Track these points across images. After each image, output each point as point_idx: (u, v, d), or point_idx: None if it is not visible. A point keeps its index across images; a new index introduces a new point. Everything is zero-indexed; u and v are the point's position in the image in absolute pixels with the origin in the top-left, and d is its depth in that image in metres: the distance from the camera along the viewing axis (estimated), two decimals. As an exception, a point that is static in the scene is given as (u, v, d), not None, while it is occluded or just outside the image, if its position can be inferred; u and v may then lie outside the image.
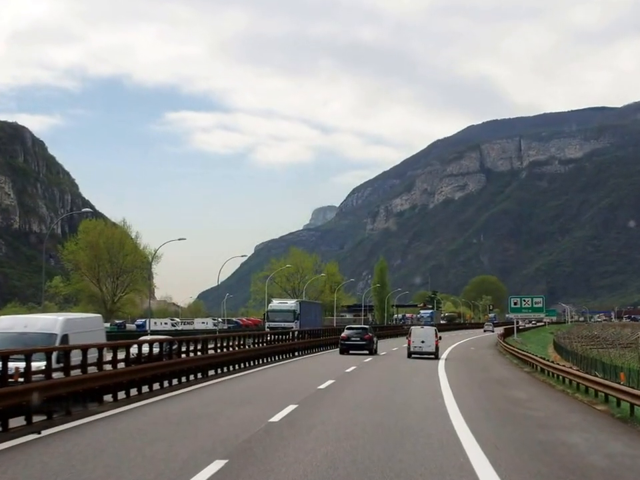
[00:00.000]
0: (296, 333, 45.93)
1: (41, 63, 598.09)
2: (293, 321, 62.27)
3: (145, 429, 13.61)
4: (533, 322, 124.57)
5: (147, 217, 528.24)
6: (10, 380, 13.51)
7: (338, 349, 44.15)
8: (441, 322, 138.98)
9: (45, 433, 12.78)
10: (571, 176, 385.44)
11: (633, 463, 11.85)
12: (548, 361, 31.84)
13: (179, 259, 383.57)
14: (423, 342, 40.24)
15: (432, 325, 65.57)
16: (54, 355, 15.25)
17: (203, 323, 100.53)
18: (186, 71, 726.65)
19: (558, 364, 29.59)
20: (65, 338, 17.82)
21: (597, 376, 23.55)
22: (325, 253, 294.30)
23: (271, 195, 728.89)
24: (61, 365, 15.47)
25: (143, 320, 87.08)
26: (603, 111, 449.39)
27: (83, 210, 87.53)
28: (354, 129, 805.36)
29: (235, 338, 31.42)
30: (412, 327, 45.38)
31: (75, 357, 15.87)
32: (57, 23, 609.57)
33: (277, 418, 14.71)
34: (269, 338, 38.41)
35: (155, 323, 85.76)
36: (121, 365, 18.52)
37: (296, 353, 41.05)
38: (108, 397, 17.21)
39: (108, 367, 17.62)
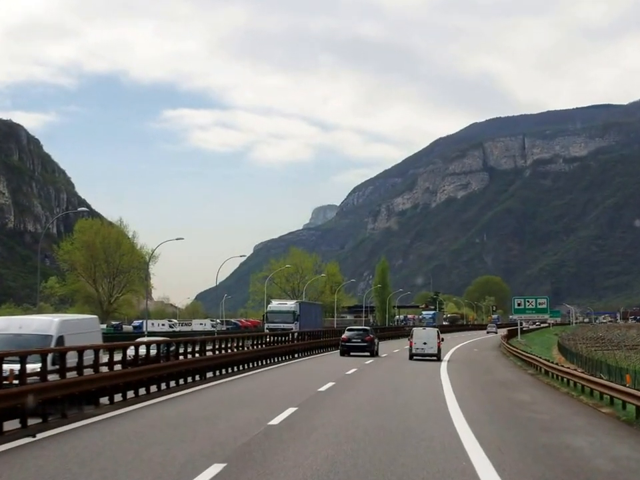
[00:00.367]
0: (296, 334, 45.96)
1: (35, 59, 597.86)
2: (293, 322, 62.30)
3: (142, 432, 13.62)
4: (537, 323, 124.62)
5: (144, 216, 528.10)
6: (4, 382, 13.52)
7: (338, 350, 44.17)
8: (443, 323, 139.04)
9: (40, 436, 12.79)
10: (575, 174, 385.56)
11: (638, 467, 11.85)
12: (552, 363, 31.84)
13: (177, 259, 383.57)
14: (425, 343, 40.25)
15: (434, 327, 65.52)
16: (49, 357, 15.25)
17: (201, 324, 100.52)
18: (184, 67, 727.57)
19: (562, 366, 29.59)
20: (60, 339, 17.82)
21: (602, 378, 23.55)
22: (325, 253, 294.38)
23: (270, 194, 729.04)
24: (57, 366, 15.48)
25: (140, 321, 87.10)
26: (608, 108, 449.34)
27: (79, 209, 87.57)
28: (355, 126, 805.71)
29: (233, 339, 31.46)
30: (414, 329, 45.38)
31: (71, 359, 15.88)
32: (51, 18, 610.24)
33: (276, 421, 14.72)
34: (268, 339, 38.44)
35: (152, 324, 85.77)
36: (118, 367, 18.51)
37: (296, 355, 41.07)
38: (104, 400, 17.21)
39: (104, 369, 17.63)
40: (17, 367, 13.82)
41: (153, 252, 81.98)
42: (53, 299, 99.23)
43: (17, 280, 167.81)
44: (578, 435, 15.00)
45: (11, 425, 13.25)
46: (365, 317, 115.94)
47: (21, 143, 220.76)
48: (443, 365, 35.78)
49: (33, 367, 14.58)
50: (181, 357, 23.75)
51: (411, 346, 40.74)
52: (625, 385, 19.94)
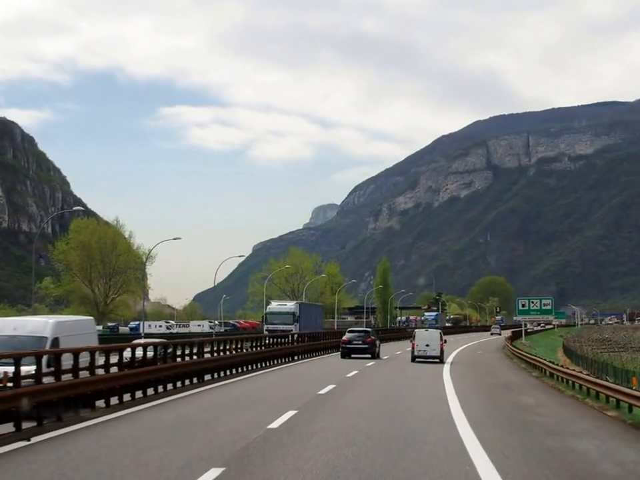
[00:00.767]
0: (295, 336, 45.93)
1: (30, 55, 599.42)
2: (293, 324, 62.32)
3: (139, 435, 13.62)
4: (542, 325, 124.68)
5: (140, 215, 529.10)
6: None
7: (339, 352, 44.18)
8: (446, 325, 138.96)
9: (34, 439, 12.79)
10: (581, 173, 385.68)
11: (645, 471, 11.85)
12: (557, 365, 31.86)
13: (174, 259, 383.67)
14: (427, 345, 40.26)
15: (437, 328, 65.49)
16: (44, 359, 15.26)
17: (199, 325, 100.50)
18: (181, 63, 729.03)
19: (567, 368, 29.60)
20: (55, 341, 17.83)
21: (608, 381, 23.57)
22: (326, 253, 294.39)
23: (270, 193, 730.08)
24: (52, 369, 15.48)
25: (137, 322, 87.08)
26: (614, 105, 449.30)
27: (74, 208, 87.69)
28: (355, 123, 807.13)
29: (232, 341, 31.45)
30: (416, 330, 45.37)
31: (66, 361, 15.87)
32: (46, 13, 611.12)
33: (275, 424, 14.73)
34: (267, 341, 38.44)
35: (149, 325, 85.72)
36: (114, 370, 18.52)
37: (295, 357, 41.08)
38: (100, 403, 17.22)
39: (100, 372, 17.62)
40: (11, 369, 13.83)
41: (150, 252, 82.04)
42: (47, 299, 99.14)
43: (11, 280, 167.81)
44: (583, 439, 14.99)
45: (5, 428, 13.24)
46: (366, 319, 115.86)
47: (15, 141, 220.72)
48: (446, 368, 35.77)
49: (28, 369, 14.58)
50: (179, 359, 23.77)
51: (413, 348, 40.75)
52: (631, 388, 19.95)
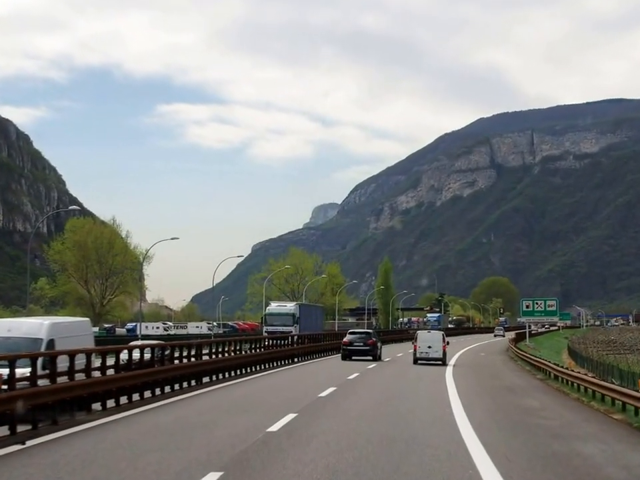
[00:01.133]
0: (295, 337, 45.96)
1: (25, 52, 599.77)
2: (292, 325, 62.32)
3: (136, 439, 13.62)
4: (546, 326, 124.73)
5: (137, 215, 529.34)
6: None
7: (340, 354, 44.19)
8: (449, 326, 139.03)
9: (29, 443, 12.79)
10: (586, 172, 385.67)
11: (652, 476, 11.85)
12: (562, 367, 31.86)
13: (172, 260, 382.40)
14: (429, 347, 40.28)
15: (439, 330, 65.53)
16: (39, 361, 15.25)
17: (197, 327, 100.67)
18: (179, 60, 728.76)
19: (572, 370, 29.61)
20: (50, 343, 17.83)
21: (613, 383, 23.57)
22: (326, 253, 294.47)
23: (269, 192, 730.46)
24: (47, 371, 15.48)
25: (134, 324, 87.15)
26: (620, 102, 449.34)
27: (70, 207, 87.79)
28: (357, 121, 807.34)
29: (230, 343, 31.48)
30: (418, 332, 45.41)
31: (62, 363, 15.88)
32: (42, 9, 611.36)
33: (275, 427, 14.73)
34: (266, 343, 38.44)
35: (146, 327, 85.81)
36: (111, 372, 18.53)
37: (295, 359, 41.09)
38: (97, 406, 17.22)
39: (97, 374, 17.62)
40: (5, 371, 13.83)
41: (147, 252, 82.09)
42: (43, 300, 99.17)
43: (6, 281, 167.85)
44: (589, 442, 15.00)
45: (0, 431, 13.25)
46: (368, 320, 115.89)
47: (10, 139, 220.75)
48: (449, 370, 35.79)
49: (23, 371, 14.59)
50: (176, 361, 23.76)
51: (415, 350, 40.78)
52: (637, 391, 19.93)
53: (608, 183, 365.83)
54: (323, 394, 22.09)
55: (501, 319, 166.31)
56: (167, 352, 23.54)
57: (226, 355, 29.37)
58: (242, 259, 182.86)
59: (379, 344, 44.99)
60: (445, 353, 40.64)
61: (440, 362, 39.88)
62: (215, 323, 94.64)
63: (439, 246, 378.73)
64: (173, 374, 22.54)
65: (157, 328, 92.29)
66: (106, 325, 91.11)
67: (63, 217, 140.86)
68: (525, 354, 46.51)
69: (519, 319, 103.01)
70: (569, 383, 27.75)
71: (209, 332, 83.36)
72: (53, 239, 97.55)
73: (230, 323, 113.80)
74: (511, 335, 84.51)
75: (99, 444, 13.03)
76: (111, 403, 17.81)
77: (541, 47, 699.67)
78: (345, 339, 44.31)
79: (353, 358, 42.40)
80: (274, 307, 68.19)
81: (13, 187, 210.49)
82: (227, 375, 28.22)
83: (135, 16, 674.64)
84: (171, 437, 13.82)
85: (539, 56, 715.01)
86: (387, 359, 44.89)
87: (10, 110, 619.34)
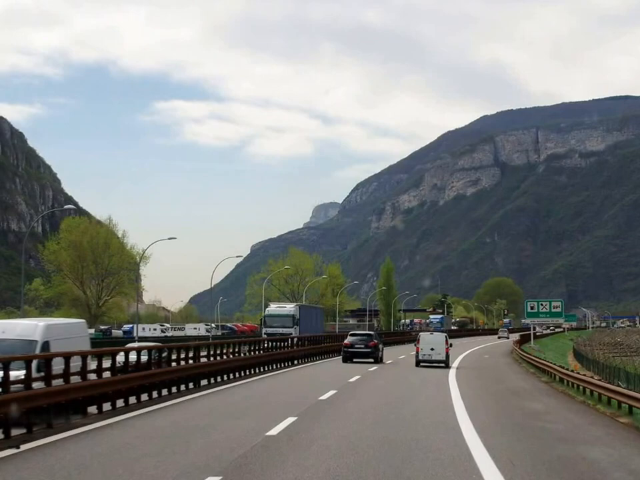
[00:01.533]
0: (295, 339, 45.99)
1: (19, 48, 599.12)
2: (292, 327, 62.36)
3: (133, 443, 13.62)
4: (551, 328, 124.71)
5: (134, 214, 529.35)
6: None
7: (340, 356, 44.22)
8: (452, 328, 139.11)
9: (24, 447, 12.79)
10: (592, 170, 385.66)
11: (659, 480, 11.85)
12: (567, 369, 31.87)
13: (169, 260, 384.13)
14: (432, 349, 40.29)
15: (442, 331, 65.65)
16: (34, 364, 15.26)
17: (195, 328, 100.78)
18: (176, 56, 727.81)
19: (578, 373, 29.62)
20: (45, 345, 17.83)
21: (620, 386, 23.56)
22: (327, 253, 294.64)
23: (269, 191, 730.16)
24: (42, 374, 15.50)
25: (130, 325, 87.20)
26: (627, 99, 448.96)
27: (66, 207, 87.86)
28: (358, 119, 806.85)
29: (229, 345, 31.48)
30: (420, 333, 45.42)
31: (57, 366, 15.88)
32: (36, 4, 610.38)
33: (274, 431, 14.74)
34: (266, 345, 38.44)
35: (143, 328, 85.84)
36: (107, 374, 18.51)
37: (295, 362, 41.10)
38: (92, 409, 17.24)
39: (92, 377, 17.63)
40: (-1, 374, 13.83)
41: (144, 252, 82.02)
42: (37, 301, 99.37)
43: (0, 282, 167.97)
44: (595, 446, 15.00)
45: (-6, 435, 13.28)
46: (369, 321, 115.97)
47: (4, 137, 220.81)
48: (452, 372, 35.80)
49: (17, 374, 14.60)
50: (174, 364, 23.78)
51: (417, 352, 40.78)
52: (644, 394, 19.93)
53: (614, 181, 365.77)
54: (324, 397, 22.11)
55: (504, 320, 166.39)
56: (164, 354, 23.55)
57: (224, 357, 29.37)
58: (241, 259, 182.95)
59: (380, 346, 45.01)
60: (447, 355, 40.63)
61: (443, 364, 39.88)
62: (213, 325, 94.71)
63: (441, 246, 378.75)
64: (170, 377, 22.54)
65: (154, 330, 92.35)
66: (102, 327, 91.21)
67: (58, 217, 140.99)
68: (529, 356, 46.52)
69: (523, 321, 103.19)
70: (575, 385, 27.76)
71: (207, 334, 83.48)
72: (47, 239, 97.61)
73: (228, 325, 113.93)
74: (515, 336, 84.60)
75: (94, 448, 13.03)
76: (107, 406, 17.82)
77: (546, 42, 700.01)
78: (345, 341, 44.35)
79: (354, 360, 42.42)
80: (273, 308, 68.22)
81: (7, 186, 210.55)
82: (225, 377, 28.23)
83: (132, 11, 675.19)
84: (168, 441, 13.82)
85: (545, 52, 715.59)
86: (389, 362, 44.92)
87: (4, 107, 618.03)
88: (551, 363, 36.90)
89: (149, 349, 23.43)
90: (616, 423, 19.17)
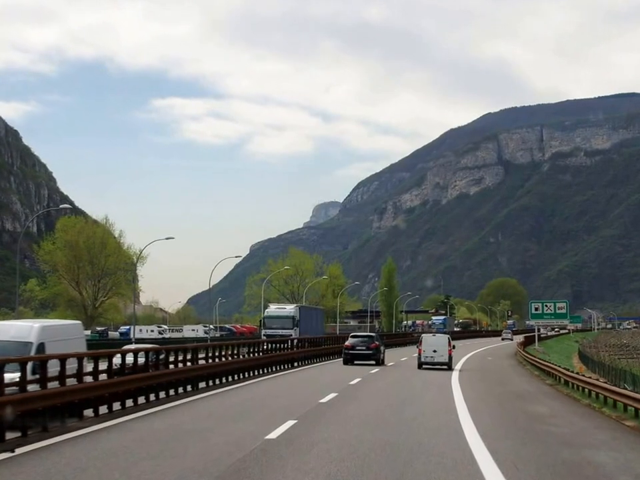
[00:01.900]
0: (295, 341, 46.02)
1: (14, 44, 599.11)
2: (292, 328, 62.40)
3: (130, 446, 13.63)
4: (556, 329, 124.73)
5: (131, 214, 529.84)
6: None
7: (341, 358, 44.25)
8: (455, 329, 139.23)
9: (19, 451, 12.80)
10: (597, 169, 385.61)
11: (666, 485, 11.85)
12: (572, 372, 31.88)
13: (167, 260, 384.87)
14: (435, 351, 40.32)
15: (445, 333, 65.59)
16: (29, 366, 15.27)
17: (193, 330, 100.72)
18: (174, 53, 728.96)
19: (583, 375, 29.62)
20: (41, 347, 17.84)
21: (626, 389, 23.57)
22: (327, 254, 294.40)
23: (268, 190, 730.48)
24: (37, 376, 15.49)
25: (127, 327, 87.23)
26: (633, 97, 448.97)
27: (61, 206, 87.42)
28: (359, 116, 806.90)
29: (228, 347, 31.47)
30: (423, 335, 45.45)
31: (53, 368, 15.89)
32: (32, 0, 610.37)
33: (274, 435, 14.75)
34: (265, 347, 38.49)
35: (141, 330, 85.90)
36: (103, 377, 18.52)
37: (295, 364, 41.14)
38: (89, 412, 17.24)
39: (89, 379, 17.64)
40: (-6, 376, 13.82)
41: (141, 252, 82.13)
42: (33, 302, 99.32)
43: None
44: (600, 450, 15.01)
45: (-12, 439, 13.27)
46: (370, 323, 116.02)
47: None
48: (455, 375, 35.80)
49: (12, 376, 14.60)
50: (172, 366, 23.80)
51: (419, 354, 40.82)
52: (651, 396, 19.94)
53: (620, 180, 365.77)
54: (324, 400, 22.11)
55: (508, 322, 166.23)
56: (161, 356, 23.55)
57: (223, 359, 29.39)
58: (240, 259, 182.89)
59: (382, 348, 45.05)
60: (450, 357, 40.66)
61: (445, 366, 39.91)
62: (211, 326, 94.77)
63: (444, 246, 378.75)
64: (168, 379, 22.55)
65: (152, 331, 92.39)
66: (98, 328, 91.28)
67: (53, 216, 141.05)
68: (533, 358, 46.54)
69: (527, 322, 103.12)
70: (580, 388, 27.77)
71: (206, 335, 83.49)
72: (43, 239, 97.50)
73: (227, 326, 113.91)
74: (520, 338, 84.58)
75: (91, 452, 13.03)
76: (103, 409, 17.82)
77: (550, 39, 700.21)
78: (346, 343, 44.39)
79: (355, 362, 42.47)
80: (273, 309, 68.23)
81: (2, 185, 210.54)
82: (224, 380, 28.25)
83: (128, 7, 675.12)
84: (165, 444, 13.84)
85: (549, 49, 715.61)
86: (391, 364, 44.93)
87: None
88: (556, 365, 36.92)
89: (146, 351, 23.41)
90: (622, 426, 19.18)
